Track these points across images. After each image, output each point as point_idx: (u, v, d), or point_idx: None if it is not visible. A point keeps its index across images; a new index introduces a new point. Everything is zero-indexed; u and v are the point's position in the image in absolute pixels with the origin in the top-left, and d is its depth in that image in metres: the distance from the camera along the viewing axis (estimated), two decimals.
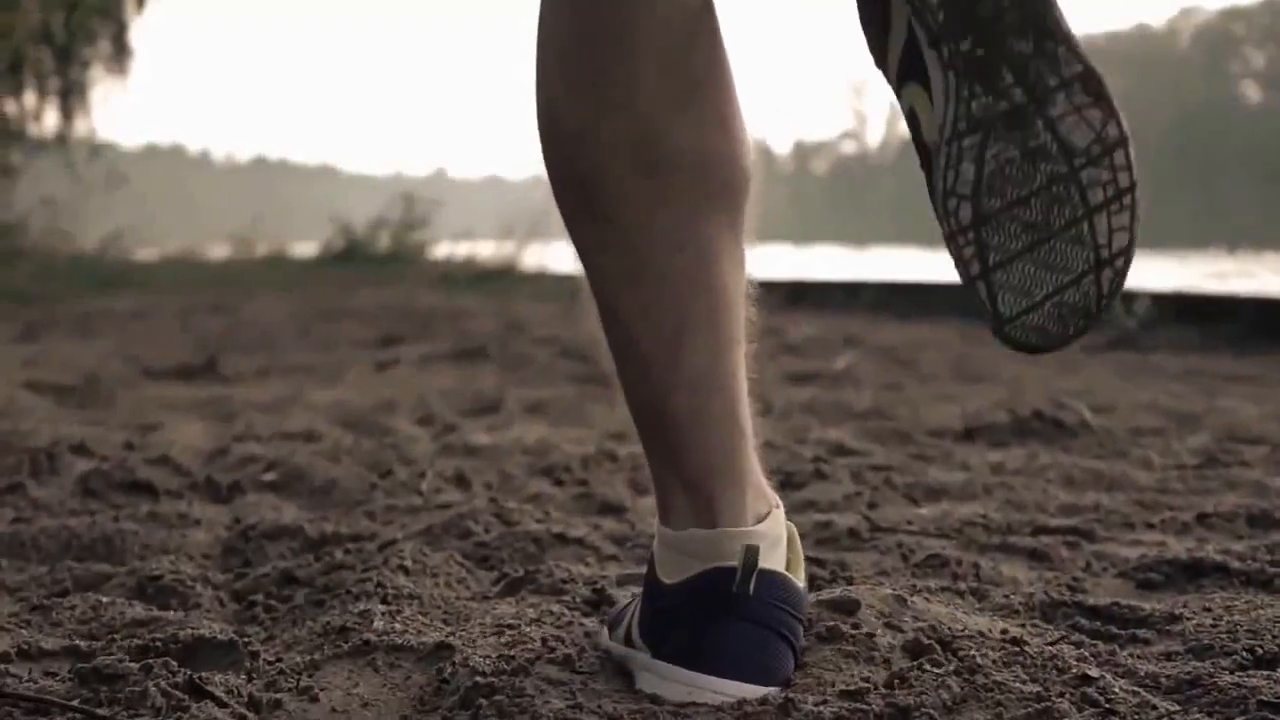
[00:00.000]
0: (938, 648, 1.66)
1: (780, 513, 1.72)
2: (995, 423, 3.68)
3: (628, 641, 1.73)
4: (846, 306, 10.61)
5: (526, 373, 6.10)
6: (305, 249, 21.10)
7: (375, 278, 15.97)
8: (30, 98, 26.12)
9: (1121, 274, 1.55)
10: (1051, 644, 1.75)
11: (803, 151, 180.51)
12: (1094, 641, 1.80)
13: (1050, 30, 1.55)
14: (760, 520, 1.68)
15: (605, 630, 1.81)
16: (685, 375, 1.69)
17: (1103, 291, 1.55)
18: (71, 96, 26.12)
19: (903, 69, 1.60)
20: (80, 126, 26.57)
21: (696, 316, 1.68)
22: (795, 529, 1.74)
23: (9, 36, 16.29)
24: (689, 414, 1.70)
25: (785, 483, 2.92)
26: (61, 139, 25.38)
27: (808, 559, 1.99)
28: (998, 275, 1.55)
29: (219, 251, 22.39)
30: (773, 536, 1.68)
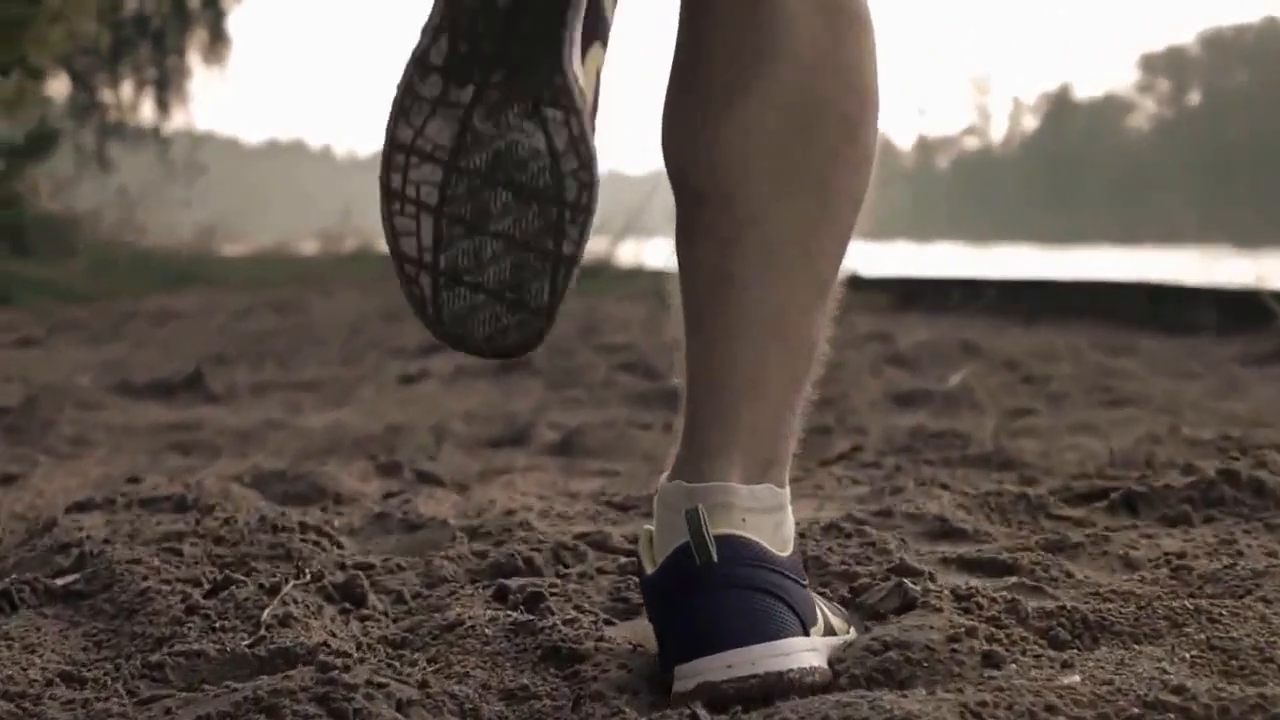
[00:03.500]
0: None
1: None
2: (1165, 486, 2.57)
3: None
4: (965, 308, 9.51)
5: (576, 389, 5.09)
6: None
7: None
8: (127, 88, 25.64)
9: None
10: None
11: (925, 147, 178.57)
12: None
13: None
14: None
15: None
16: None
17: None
18: (168, 86, 25.60)
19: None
20: (178, 117, 26.11)
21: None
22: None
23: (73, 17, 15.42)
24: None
25: (850, 601, 1.87)
26: (156, 130, 24.84)
27: None
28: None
29: (310, 247, 21.62)
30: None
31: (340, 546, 2.17)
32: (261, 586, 1.80)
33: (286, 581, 1.83)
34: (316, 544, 2.07)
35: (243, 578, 1.84)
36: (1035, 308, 9.13)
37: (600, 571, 2.03)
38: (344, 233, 20.91)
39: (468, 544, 2.13)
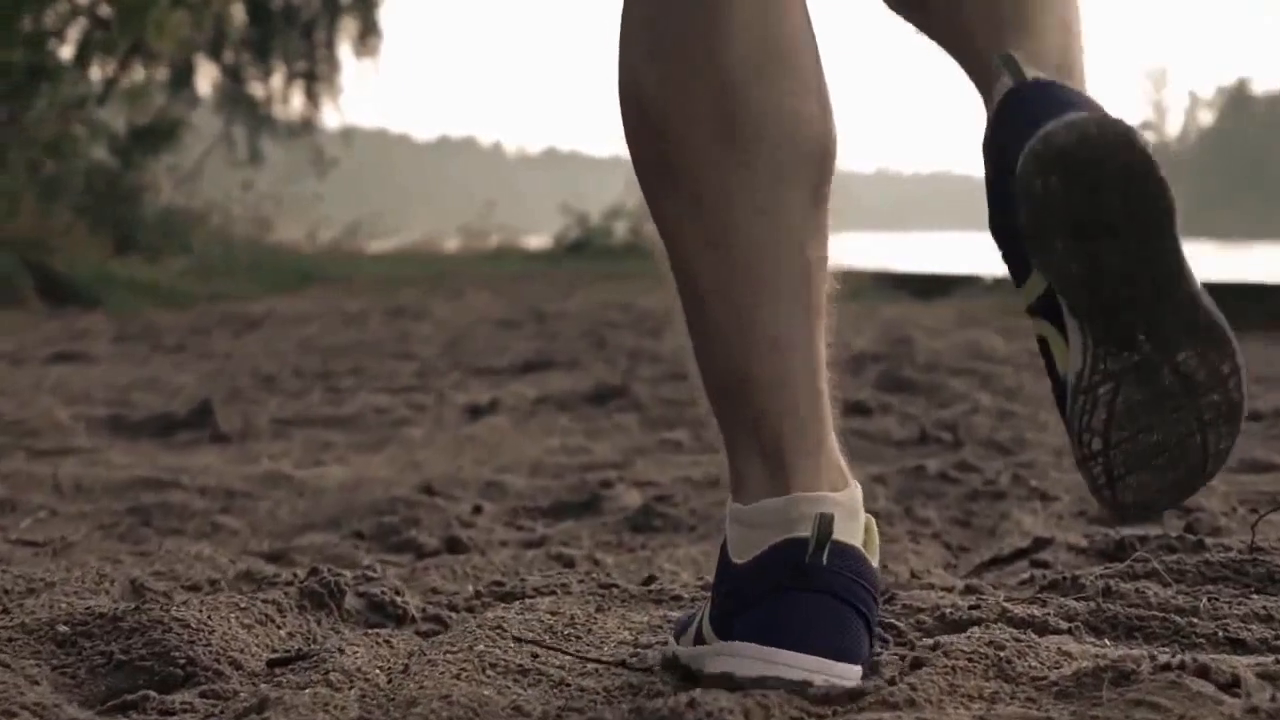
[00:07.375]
0: None
1: (857, 490, 1.68)
2: None
3: (697, 640, 1.70)
4: None
5: (678, 430, 4.05)
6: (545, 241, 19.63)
7: (604, 273, 14.16)
8: (277, 80, 25.11)
9: (1222, 456, 1.58)
10: None
11: None
12: None
13: (1181, 294, 1.54)
14: (836, 490, 1.64)
15: (672, 640, 1.78)
16: (764, 340, 1.65)
17: (1206, 470, 1.58)
18: (318, 79, 25.10)
19: (1038, 307, 1.58)
20: (329, 111, 25.62)
21: (776, 284, 1.65)
22: (873, 520, 1.68)
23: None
24: (769, 378, 1.66)
25: None
26: (307, 123, 24.33)
27: None
28: (1120, 485, 1.55)
29: (454, 244, 20.94)
30: (849, 507, 1.63)
31: None
32: None
33: None
34: None
35: None
36: (1234, 317, 7.95)
37: None
38: (486, 229, 20.18)
39: None
